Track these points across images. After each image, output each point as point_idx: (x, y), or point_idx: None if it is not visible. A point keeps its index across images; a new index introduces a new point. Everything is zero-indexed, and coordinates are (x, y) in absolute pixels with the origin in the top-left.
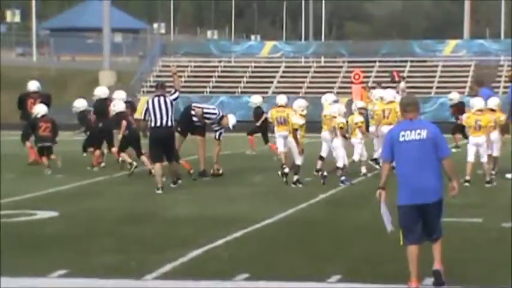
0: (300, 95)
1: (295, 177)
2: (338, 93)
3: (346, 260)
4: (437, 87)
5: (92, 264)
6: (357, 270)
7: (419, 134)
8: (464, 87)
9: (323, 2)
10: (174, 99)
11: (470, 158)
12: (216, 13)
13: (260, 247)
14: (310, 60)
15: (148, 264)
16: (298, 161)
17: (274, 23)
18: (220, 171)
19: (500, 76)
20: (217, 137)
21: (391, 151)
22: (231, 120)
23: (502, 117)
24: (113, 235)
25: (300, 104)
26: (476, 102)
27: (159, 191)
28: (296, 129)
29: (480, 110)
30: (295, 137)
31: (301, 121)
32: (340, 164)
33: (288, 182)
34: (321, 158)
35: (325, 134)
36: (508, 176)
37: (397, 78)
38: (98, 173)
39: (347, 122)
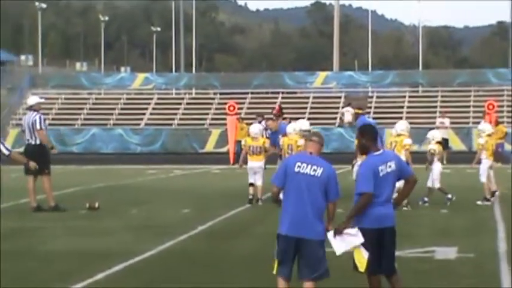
0: (173, 126)
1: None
2: (211, 124)
3: None
4: (309, 119)
5: None
6: None
7: (314, 170)
8: (335, 118)
9: (193, 34)
10: None
11: None
12: (84, 45)
13: (141, 280)
14: (181, 92)
15: None
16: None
17: (143, 55)
18: (97, 205)
19: (371, 107)
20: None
21: (284, 179)
22: None
23: None
24: None
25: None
26: None
27: None
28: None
29: None
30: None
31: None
32: None
33: None
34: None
35: None
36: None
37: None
38: None
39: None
